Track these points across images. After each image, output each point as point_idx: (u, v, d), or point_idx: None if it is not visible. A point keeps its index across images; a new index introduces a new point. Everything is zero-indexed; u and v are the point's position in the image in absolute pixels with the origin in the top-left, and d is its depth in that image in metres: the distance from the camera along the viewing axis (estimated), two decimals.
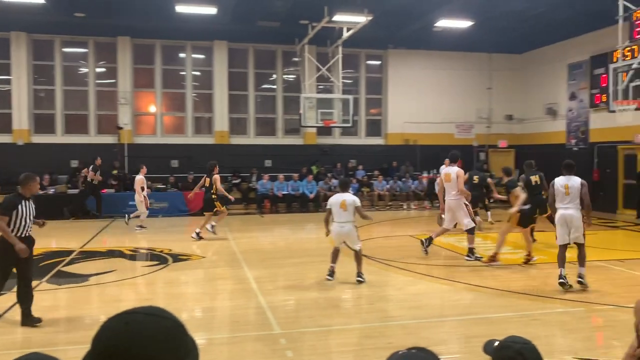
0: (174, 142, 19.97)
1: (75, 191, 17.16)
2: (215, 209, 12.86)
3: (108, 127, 19.52)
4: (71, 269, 9.54)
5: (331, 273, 8.49)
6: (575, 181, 7.85)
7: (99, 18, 17.93)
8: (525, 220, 9.52)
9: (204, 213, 13.28)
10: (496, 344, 2.48)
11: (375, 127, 22.17)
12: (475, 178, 13.42)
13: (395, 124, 21.54)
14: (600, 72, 17.70)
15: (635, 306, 2.44)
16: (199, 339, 5.37)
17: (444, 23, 17.67)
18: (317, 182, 19.18)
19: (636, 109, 12.09)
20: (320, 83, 20.36)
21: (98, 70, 19.80)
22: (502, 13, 16.70)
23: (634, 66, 12.11)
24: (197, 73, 20.71)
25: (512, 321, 6.44)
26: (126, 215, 14.94)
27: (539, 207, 9.70)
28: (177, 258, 10.44)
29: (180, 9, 15.91)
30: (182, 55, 20.45)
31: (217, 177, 12.99)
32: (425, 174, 20.64)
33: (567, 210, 7.76)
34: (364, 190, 19.86)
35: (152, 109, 20.37)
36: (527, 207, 9.48)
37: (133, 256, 10.96)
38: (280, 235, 14.47)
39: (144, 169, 15.06)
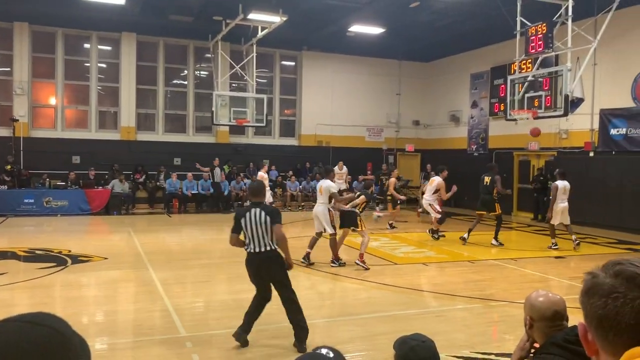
0: (75, 136, 18.87)
1: None
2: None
3: (1, 119, 18.08)
4: None
5: (305, 256, 9.56)
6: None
7: None
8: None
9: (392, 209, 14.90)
10: (399, 339, 2.57)
11: (289, 128, 22.24)
12: (486, 179, 12.72)
13: (308, 125, 21.73)
14: (500, 82, 18.90)
15: (525, 302, 2.60)
16: (101, 345, 5.11)
17: (357, 28, 18.08)
18: (230, 182, 18.92)
19: (530, 119, 13.01)
20: (233, 81, 20.11)
21: None
22: (412, 22, 17.39)
23: (529, 78, 13.03)
24: (103, 65, 19.72)
25: (417, 318, 6.70)
26: None
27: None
28: (77, 259, 9.86)
29: None
30: (86, 45, 19.37)
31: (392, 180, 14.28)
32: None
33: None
34: (276, 190, 19.85)
35: (52, 101, 19.13)
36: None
37: (28, 258, 10.20)
38: (189, 235, 14.10)
39: None
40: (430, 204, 13.24)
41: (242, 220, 5.50)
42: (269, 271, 5.57)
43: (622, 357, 0.95)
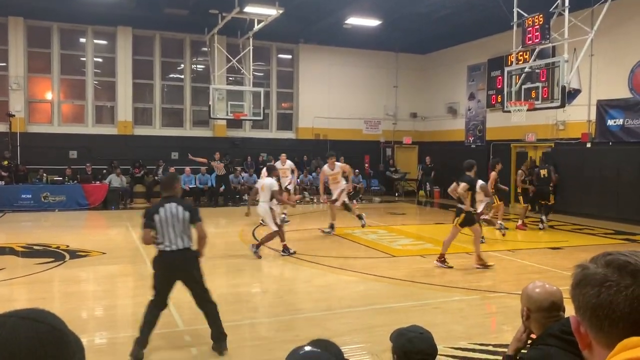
0: (72, 131, 18.83)
1: None
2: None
3: None
4: None
5: (256, 245, 9.75)
6: None
7: None
8: None
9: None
10: (396, 330, 2.58)
11: (286, 121, 22.21)
12: (543, 172, 13.10)
13: (306, 118, 21.70)
14: (497, 74, 18.87)
15: (522, 293, 2.61)
16: (100, 339, 5.13)
17: (354, 21, 18.02)
18: (228, 176, 18.88)
19: (527, 110, 13.01)
20: (230, 74, 20.05)
21: None
22: (408, 14, 17.33)
23: (526, 70, 13.02)
24: (99, 60, 19.65)
25: (415, 310, 6.72)
26: None
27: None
28: (75, 254, 9.86)
29: None
30: (82, 40, 19.28)
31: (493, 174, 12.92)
32: None
33: None
34: None
35: (49, 96, 19.06)
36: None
37: (26, 253, 10.20)
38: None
39: None
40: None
41: (156, 216, 5.06)
42: (185, 271, 5.19)
43: (615, 348, 0.95)
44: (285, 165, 14.21)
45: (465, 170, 9.29)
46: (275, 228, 9.73)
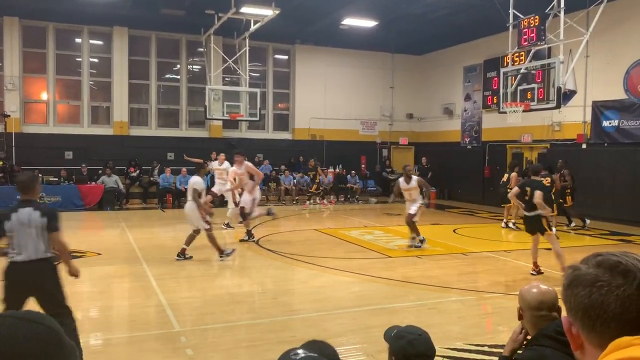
0: (68, 132, 18.78)
1: None
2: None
3: None
4: None
5: (180, 252, 9.55)
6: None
7: None
8: None
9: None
10: (394, 332, 2.57)
11: (282, 122, 22.20)
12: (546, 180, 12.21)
13: (302, 119, 21.70)
14: (493, 75, 18.91)
15: (520, 293, 2.63)
16: (95, 340, 5.10)
17: (350, 22, 18.04)
18: None
19: (523, 111, 13.04)
20: (226, 75, 20.03)
21: None
22: (404, 15, 17.35)
23: (522, 71, 13.05)
24: (95, 60, 19.60)
25: (411, 310, 6.72)
26: None
27: None
28: (70, 255, 9.81)
29: None
30: (78, 40, 19.23)
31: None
32: (331, 169, 21.00)
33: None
34: (271, 184, 19.84)
35: (44, 96, 19.00)
36: None
37: None
38: (183, 230, 14.01)
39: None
40: None
41: (7, 223, 4.43)
42: (38, 286, 4.52)
43: (607, 348, 0.95)
44: (222, 165, 13.20)
45: (532, 174, 8.88)
46: (205, 227, 9.39)
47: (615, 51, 14.94)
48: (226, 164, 13.11)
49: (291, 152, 21.34)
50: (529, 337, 2.54)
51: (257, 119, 18.62)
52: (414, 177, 11.10)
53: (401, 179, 11.13)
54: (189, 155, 18.06)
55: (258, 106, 18.06)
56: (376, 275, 8.53)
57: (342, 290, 7.77)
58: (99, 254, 10.11)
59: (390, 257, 10.12)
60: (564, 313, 1.13)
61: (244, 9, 15.36)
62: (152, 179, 18.63)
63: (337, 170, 20.86)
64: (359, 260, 9.86)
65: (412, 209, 10.65)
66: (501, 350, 2.74)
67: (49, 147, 17.96)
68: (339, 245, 11.36)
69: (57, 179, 17.03)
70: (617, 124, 15.02)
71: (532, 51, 13.19)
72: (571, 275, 1.05)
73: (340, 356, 1.76)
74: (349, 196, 20.41)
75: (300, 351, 1.39)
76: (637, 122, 14.51)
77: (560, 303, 2.40)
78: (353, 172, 20.73)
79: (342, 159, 21.36)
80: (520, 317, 2.55)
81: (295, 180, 19.91)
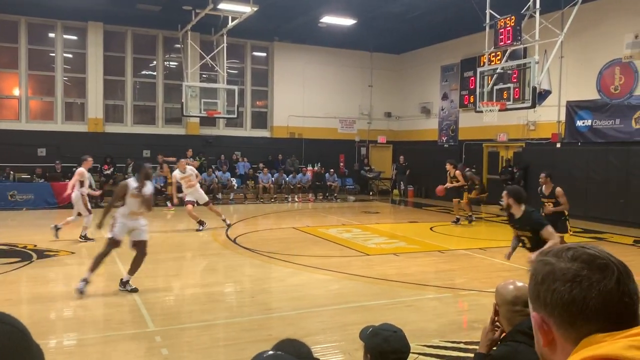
0: (41, 128, 18.40)
1: None
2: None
3: None
4: None
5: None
6: None
7: None
8: None
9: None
10: (370, 330, 2.57)
11: (260, 120, 22.10)
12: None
13: (280, 116, 21.63)
14: (470, 74, 19.11)
15: (496, 289, 2.65)
16: (68, 340, 4.99)
17: (329, 19, 18.02)
18: (200, 174, 18.67)
19: (499, 110, 13.20)
20: (204, 72, 19.85)
21: None
22: (382, 14, 17.40)
23: (498, 71, 13.21)
24: (69, 55, 19.24)
25: (388, 308, 6.74)
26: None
27: None
28: (42, 254, 9.63)
29: None
30: (51, 35, 18.85)
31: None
32: (310, 167, 20.98)
33: None
34: (249, 182, 19.74)
35: (16, 92, 18.58)
36: None
37: None
38: (158, 228, 13.89)
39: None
40: None
41: None
42: None
43: (579, 345, 0.95)
44: (186, 172, 12.74)
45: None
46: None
47: (589, 52, 15.21)
48: (189, 168, 12.87)
49: (269, 150, 21.26)
50: (504, 334, 2.56)
51: (235, 116, 18.50)
52: (189, 167, 12.82)
53: (177, 171, 12.81)
54: (165, 155, 17.97)
55: (236, 103, 17.95)
56: (354, 273, 8.54)
57: (320, 288, 7.76)
58: (73, 252, 9.93)
59: (368, 255, 10.15)
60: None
61: (222, 5, 15.24)
62: (126, 176, 18.34)
63: (316, 168, 20.85)
64: (337, 258, 9.86)
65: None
66: (477, 347, 2.75)
67: (21, 144, 17.58)
68: (317, 243, 11.35)
69: (29, 176, 16.67)
70: (590, 124, 15.30)
71: (508, 51, 13.35)
72: (544, 269, 1.02)
73: (317, 355, 1.75)
74: (327, 194, 20.42)
75: (270, 352, 1.36)
76: (610, 122, 14.80)
77: None
78: (332, 170, 20.74)
79: (320, 157, 21.36)
80: (496, 313, 2.57)
81: (273, 179, 19.84)
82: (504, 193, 6.26)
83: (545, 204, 9.34)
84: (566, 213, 9.27)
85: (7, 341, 0.92)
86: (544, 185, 9.51)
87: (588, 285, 0.97)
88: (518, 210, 6.04)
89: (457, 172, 14.42)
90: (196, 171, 12.94)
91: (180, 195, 12.81)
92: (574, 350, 0.95)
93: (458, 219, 14.35)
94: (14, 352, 0.92)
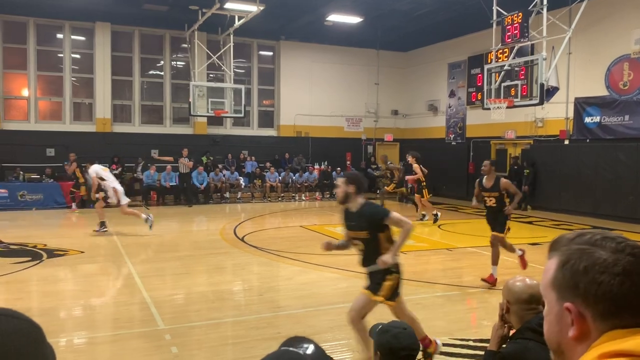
0: (49, 129, 18.51)
1: None
2: None
3: None
4: None
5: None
6: None
7: None
8: None
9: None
10: (379, 327, 2.57)
11: (267, 119, 22.13)
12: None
13: (287, 115, 21.64)
14: (477, 71, 19.04)
15: (503, 287, 2.65)
16: (79, 339, 5.04)
17: (335, 18, 18.01)
18: (208, 173, 18.77)
19: (507, 107, 13.15)
20: (211, 71, 19.89)
21: None
22: (390, 11, 17.38)
23: (505, 67, 13.15)
24: (77, 56, 19.34)
25: None
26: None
27: None
28: (52, 253, 9.70)
29: None
30: (59, 35, 18.96)
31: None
32: (316, 166, 20.99)
33: None
34: (256, 182, 19.78)
35: (25, 92, 18.71)
36: None
37: (2, 252, 9.99)
38: (167, 228, 13.96)
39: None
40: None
41: None
42: None
43: (600, 339, 0.95)
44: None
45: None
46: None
47: (597, 48, 15.11)
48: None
49: (276, 149, 21.28)
50: (512, 331, 2.55)
51: (242, 115, 18.53)
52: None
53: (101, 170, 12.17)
54: (160, 155, 18.13)
55: (243, 103, 17.98)
56: (362, 271, 8.53)
57: (328, 286, 7.77)
58: (82, 252, 10.00)
59: None
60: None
61: (228, 5, 15.27)
62: (135, 175, 18.46)
63: (323, 167, 20.85)
64: (344, 256, 9.84)
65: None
66: (486, 345, 2.75)
67: (31, 145, 17.69)
68: (325, 241, 11.34)
69: (39, 176, 16.80)
70: (598, 120, 15.20)
71: (516, 48, 13.29)
72: (585, 258, 0.98)
73: (325, 352, 1.75)
74: (334, 193, 20.38)
75: (310, 346, 1.35)
76: (619, 119, 14.71)
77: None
78: (338, 168, 20.74)
79: (327, 155, 21.36)
80: (507, 310, 2.55)
81: (280, 177, 19.87)
82: (340, 180, 4.80)
83: (486, 198, 7.85)
84: (508, 212, 7.81)
85: (25, 336, 0.95)
86: (485, 177, 7.86)
87: (639, 280, 0.95)
88: (355, 203, 4.75)
89: (416, 165, 14.45)
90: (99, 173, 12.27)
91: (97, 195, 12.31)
92: (594, 345, 0.94)
93: (424, 215, 14.49)
94: (32, 346, 0.94)
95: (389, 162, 16.03)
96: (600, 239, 1.00)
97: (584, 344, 0.98)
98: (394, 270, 4.80)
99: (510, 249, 8.08)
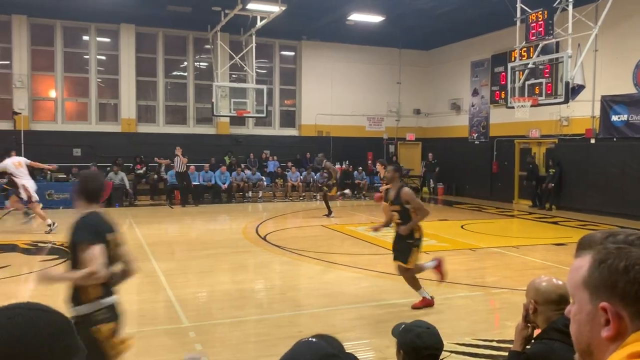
0: (76, 129, 18.87)
1: None
2: None
3: (2, 112, 18.09)
4: None
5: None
6: None
7: None
8: None
9: None
10: (402, 326, 2.58)
11: (289, 118, 22.21)
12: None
13: (308, 115, 21.69)
14: (500, 70, 18.82)
15: (529, 287, 2.62)
16: None
17: (356, 17, 17.99)
18: (230, 173, 18.93)
19: (531, 106, 12.97)
20: (233, 72, 20.05)
21: None
22: (411, 10, 17.29)
23: (530, 66, 12.98)
24: (102, 57, 19.67)
25: None
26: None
27: None
28: None
29: None
30: (85, 37, 19.31)
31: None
32: (338, 165, 20.97)
33: None
34: (277, 181, 19.87)
35: (52, 93, 19.11)
36: None
37: (30, 250, 10.24)
38: (191, 226, 14.13)
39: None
40: None
41: None
42: None
43: (628, 338, 0.94)
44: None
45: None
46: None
47: (624, 45, 14.82)
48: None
49: (298, 148, 21.35)
50: (537, 331, 2.53)
51: (264, 115, 18.64)
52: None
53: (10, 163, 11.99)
54: (203, 156, 18.44)
55: (265, 103, 18.07)
56: (384, 271, 8.52)
57: (350, 285, 7.78)
58: None
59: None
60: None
61: (250, 6, 15.37)
62: (159, 175, 18.70)
63: (344, 166, 20.85)
64: (366, 256, 9.86)
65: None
66: (509, 346, 2.73)
67: (58, 145, 18.04)
68: (346, 241, 11.36)
69: (66, 175, 17.13)
70: (626, 119, 14.90)
71: (540, 46, 13.11)
72: (624, 257, 0.97)
73: (348, 351, 1.76)
74: (355, 192, 20.39)
75: (312, 340, 1.38)
76: None
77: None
78: (360, 168, 20.71)
79: (348, 155, 21.35)
80: (534, 311, 2.50)
81: (301, 177, 19.92)
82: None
83: (391, 211, 6.52)
84: (417, 235, 6.39)
85: (60, 328, 1.00)
86: (387, 185, 6.68)
87: None
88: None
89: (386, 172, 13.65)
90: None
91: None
92: (622, 345, 0.94)
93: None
94: (63, 336, 1.00)
95: (325, 161, 15.52)
96: (636, 238, 0.98)
97: (616, 343, 0.96)
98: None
99: (416, 286, 6.57)
